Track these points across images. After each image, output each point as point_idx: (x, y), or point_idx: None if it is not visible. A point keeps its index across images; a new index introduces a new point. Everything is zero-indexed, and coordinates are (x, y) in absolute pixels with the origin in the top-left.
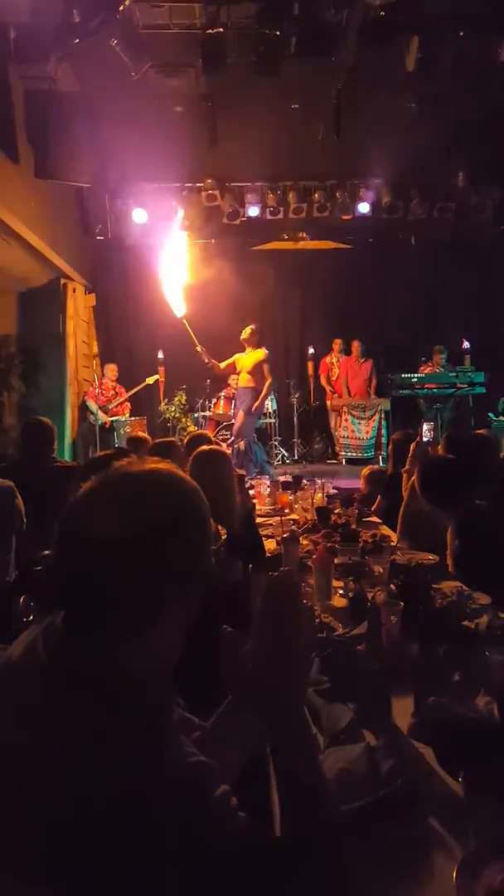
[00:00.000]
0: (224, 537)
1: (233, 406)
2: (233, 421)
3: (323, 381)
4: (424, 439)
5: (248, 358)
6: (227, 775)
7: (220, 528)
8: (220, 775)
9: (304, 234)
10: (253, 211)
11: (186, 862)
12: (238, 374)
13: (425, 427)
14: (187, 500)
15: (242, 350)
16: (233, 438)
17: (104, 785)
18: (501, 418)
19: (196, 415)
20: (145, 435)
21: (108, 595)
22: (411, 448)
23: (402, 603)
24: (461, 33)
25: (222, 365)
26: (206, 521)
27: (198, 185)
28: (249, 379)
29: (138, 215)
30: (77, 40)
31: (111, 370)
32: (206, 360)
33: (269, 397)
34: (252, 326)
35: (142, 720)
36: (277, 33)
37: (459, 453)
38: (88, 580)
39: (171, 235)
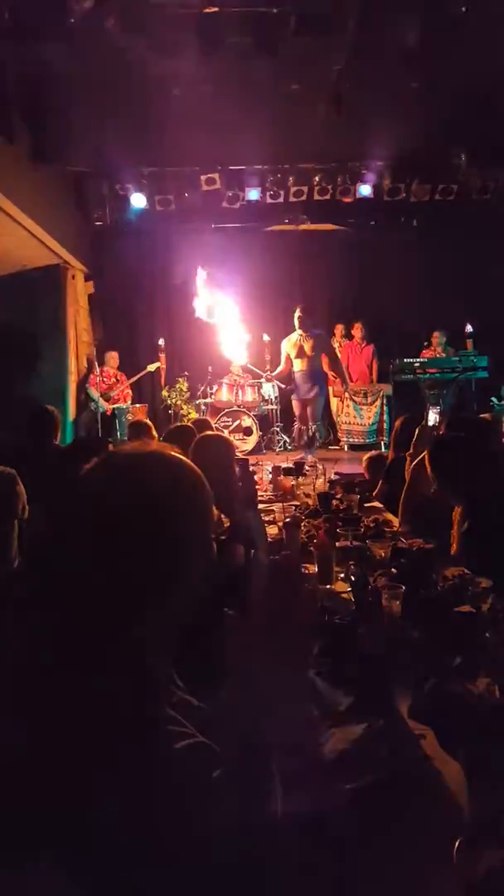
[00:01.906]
0: (227, 525)
1: (277, 392)
2: (235, 407)
3: (325, 367)
4: (430, 424)
5: (305, 342)
6: (228, 756)
7: (222, 516)
8: (221, 757)
9: (305, 217)
10: (253, 194)
11: (184, 843)
12: (293, 360)
13: (431, 412)
14: (189, 483)
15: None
16: (316, 423)
17: (99, 768)
18: None
19: (197, 401)
20: (147, 420)
21: (105, 578)
22: (416, 432)
23: (403, 587)
24: (464, 9)
25: (283, 366)
26: (207, 504)
27: (196, 168)
28: (309, 361)
29: (137, 200)
30: (72, 20)
31: (112, 358)
32: (284, 382)
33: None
34: (301, 306)
35: (139, 704)
36: (275, 11)
37: (466, 434)
38: (87, 561)
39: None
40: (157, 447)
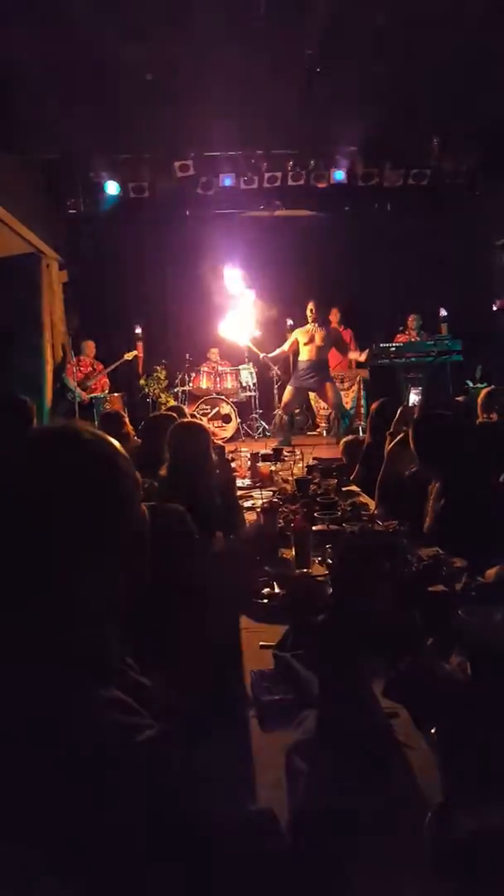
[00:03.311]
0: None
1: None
2: (214, 394)
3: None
4: (411, 404)
5: (317, 333)
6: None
7: (154, 483)
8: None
9: (280, 203)
10: (226, 181)
11: (157, 841)
12: (301, 347)
13: (412, 393)
14: (99, 453)
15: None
16: (333, 411)
17: (25, 747)
18: (479, 386)
19: (175, 389)
20: (120, 411)
21: (17, 553)
22: (397, 413)
23: None
24: None
25: (286, 347)
26: (123, 475)
27: (170, 154)
28: (317, 352)
29: (110, 187)
30: (40, 3)
31: (89, 347)
32: (274, 367)
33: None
34: (313, 302)
35: (84, 690)
36: None
37: (448, 411)
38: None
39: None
40: (71, 423)
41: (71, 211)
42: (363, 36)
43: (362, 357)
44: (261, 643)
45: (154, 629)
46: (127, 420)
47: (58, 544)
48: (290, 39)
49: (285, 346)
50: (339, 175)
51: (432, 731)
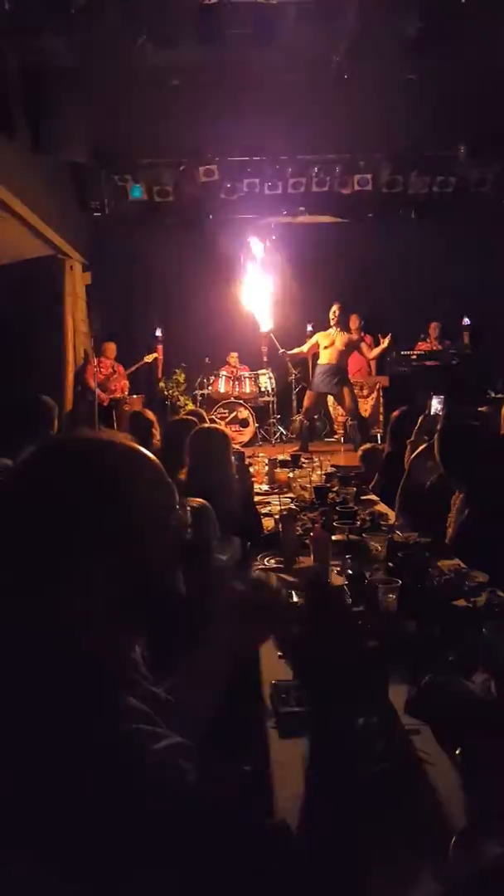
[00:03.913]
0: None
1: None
2: (232, 398)
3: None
4: (432, 413)
5: (338, 337)
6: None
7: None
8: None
9: (303, 209)
10: (250, 185)
11: (172, 854)
12: (321, 350)
13: (434, 400)
14: (135, 465)
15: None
16: (348, 417)
17: (30, 745)
18: (500, 395)
19: (194, 392)
20: (148, 412)
21: (14, 549)
22: (419, 421)
23: (399, 581)
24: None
25: (305, 348)
26: (158, 489)
27: (195, 159)
28: (338, 356)
29: (135, 191)
30: (72, 11)
31: (110, 348)
32: (292, 365)
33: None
34: (338, 304)
35: (87, 687)
36: (275, 2)
37: (475, 420)
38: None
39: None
40: (108, 434)
41: (96, 213)
42: (390, 43)
43: (385, 342)
44: (279, 653)
45: (169, 639)
46: (156, 422)
47: (79, 549)
48: (318, 46)
49: (304, 348)
50: (364, 181)
51: (457, 751)
